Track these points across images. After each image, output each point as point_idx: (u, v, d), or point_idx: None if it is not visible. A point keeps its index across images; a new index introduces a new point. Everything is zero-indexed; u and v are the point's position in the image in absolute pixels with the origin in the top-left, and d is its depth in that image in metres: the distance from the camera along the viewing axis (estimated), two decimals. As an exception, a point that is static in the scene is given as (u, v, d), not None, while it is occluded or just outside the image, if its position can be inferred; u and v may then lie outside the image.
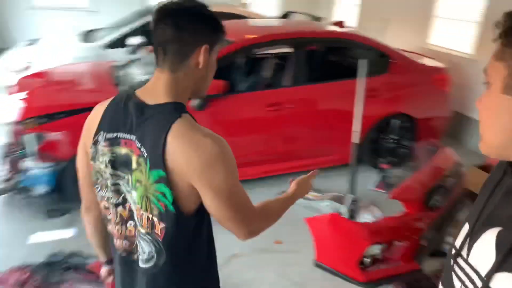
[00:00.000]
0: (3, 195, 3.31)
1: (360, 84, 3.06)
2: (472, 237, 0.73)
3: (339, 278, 2.54)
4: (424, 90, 4.12)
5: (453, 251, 0.78)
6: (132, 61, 4.04)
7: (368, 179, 3.88)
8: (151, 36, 1.07)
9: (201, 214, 1.09)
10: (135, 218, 1.11)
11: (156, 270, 1.11)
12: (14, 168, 3.15)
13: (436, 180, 2.90)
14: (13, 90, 3.55)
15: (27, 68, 4.58)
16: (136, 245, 1.14)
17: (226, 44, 1.51)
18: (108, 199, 1.15)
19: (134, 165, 1.05)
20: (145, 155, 1.02)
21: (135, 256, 1.16)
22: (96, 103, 1.19)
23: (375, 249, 2.65)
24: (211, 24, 1.08)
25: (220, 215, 1.06)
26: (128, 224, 1.13)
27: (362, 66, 3.02)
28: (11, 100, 3.44)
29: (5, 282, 2.46)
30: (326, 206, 3.51)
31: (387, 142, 4.14)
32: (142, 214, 1.07)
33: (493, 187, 0.75)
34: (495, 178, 0.76)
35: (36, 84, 3.67)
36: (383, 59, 3.90)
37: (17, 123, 3.12)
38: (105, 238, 1.30)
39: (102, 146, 1.09)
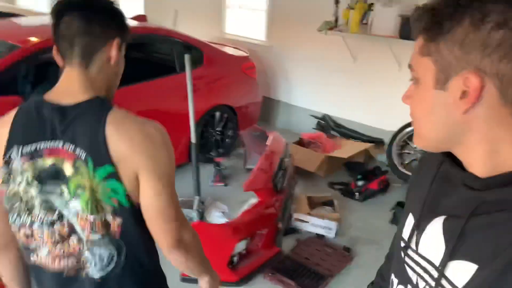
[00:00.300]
0: None
1: (189, 80, 2.93)
2: (419, 228, 0.73)
3: None
4: (237, 79, 4.28)
5: (402, 244, 0.78)
6: None
7: (205, 175, 3.83)
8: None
9: None
10: (78, 230, 1.04)
11: (118, 270, 1.07)
12: None
13: (276, 164, 3.05)
14: None
15: None
16: (84, 259, 1.06)
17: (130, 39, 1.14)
18: (32, 222, 1.04)
19: (69, 172, 0.99)
20: (83, 156, 0.97)
21: (84, 272, 1.07)
22: None
23: (239, 246, 2.62)
24: (119, 19, 1.06)
25: (157, 206, 1.01)
26: (70, 241, 1.05)
27: (188, 61, 2.89)
28: None
29: None
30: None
31: (213, 135, 4.16)
32: (94, 218, 1.01)
33: (433, 177, 0.75)
34: (432, 167, 0.77)
35: None
36: (196, 53, 3.85)
37: None
38: (28, 277, 1.19)
39: (20, 163, 0.99)
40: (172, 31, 3.88)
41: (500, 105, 0.59)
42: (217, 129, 4.18)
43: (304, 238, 3.05)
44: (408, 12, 3.52)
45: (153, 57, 4.26)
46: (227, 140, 4.29)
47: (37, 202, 1.02)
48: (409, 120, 4.04)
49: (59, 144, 0.98)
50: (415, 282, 0.73)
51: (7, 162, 1.00)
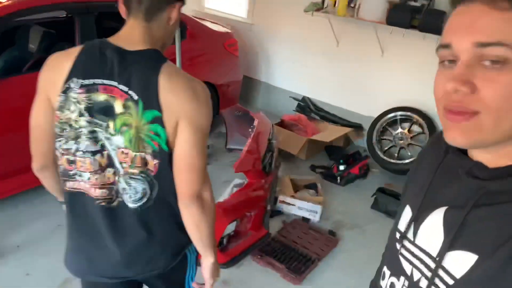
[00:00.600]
0: None
1: (178, 54, 2.81)
2: (418, 219, 0.72)
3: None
4: (220, 56, 4.16)
5: (398, 235, 0.76)
6: None
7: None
8: None
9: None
10: (115, 163, 1.14)
11: (149, 204, 1.17)
12: None
13: (264, 146, 3.00)
14: None
15: None
16: (116, 190, 1.16)
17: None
18: (77, 150, 1.13)
19: (119, 110, 1.08)
20: (135, 98, 1.06)
21: (116, 203, 1.17)
22: None
23: (229, 227, 2.58)
24: None
25: (189, 155, 1.10)
26: (106, 172, 1.15)
27: (177, 34, 2.76)
28: None
29: None
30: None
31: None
32: (135, 156, 1.11)
33: (436, 168, 0.72)
34: (435, 157, 0.74)
35: None
36: (180, 26, 3.68)
37: None
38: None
39: (76, 94, 1.09)
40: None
41: None
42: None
43: (290, 221, 3.05)
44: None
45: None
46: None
47: (84, 132, 1.11)
48: (389, 106, 4.09)
49: (114, 83, 1.07)
50: (409, 274, 0.71)
51: (65, 91, 1.09)
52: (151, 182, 1.15)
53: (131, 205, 1.16)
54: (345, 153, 4.00)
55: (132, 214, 1.17)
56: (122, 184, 1.15)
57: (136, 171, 1.13)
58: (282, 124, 4.25)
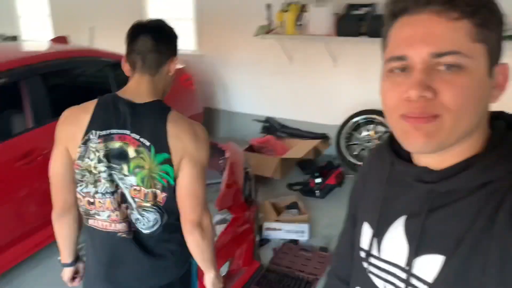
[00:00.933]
0: None
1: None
2: (379, 234, 0.72)
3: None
4: (177, 93, 4.09)
5: (363, 254, 0.77)
6: None
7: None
8: None
9: None
10: (128, 199, 1.32)
11: (160, 230, 1.35)
12: None
13: (242, 176, 2.98)
14: None
15: None
16: (130, 221, 1.34)
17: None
18: (97, 192, 1.30)
19: (132, 154, 1.26)
20: (147, 144, 1.25)
21: (132, 234, 1.34)
22: None
23: (222, 269, 2.52)
24: (177, 40, 1.39)
25: (191, 186, 1.28)
26: (122, 207, 1.32)
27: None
28: None
29: None
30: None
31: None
32: (147, 192, 1.29)
33: (385, 181, 0.73)
34: (381, 171, 0.75)
35: None
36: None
37: None
38: (75, 239, 1.45)
39: (95, 143, 1.26)
40: (101, 51, 3.61)
41: None
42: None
43: (279, 246, 3.02)
44: (341, 10, 3.67)
45: (83, 81, 3.93)
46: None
47: (104, 176, 1.28)
48: (351, 112, 4.19)
49: (127, 132, 1.26)
50: None
51: (85, 142, 1.27)
52: (161, 212, 1.34)
53: (145, 231, 1.35)
54: (318, 165, 4.04)
55: (148, 239, 1.36)
56: (135, 215, 1.33)
57: (148, 204, 1.32)
58: (251, 148, 4.24)
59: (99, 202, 1.31)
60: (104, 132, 1.25)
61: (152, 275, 1.41)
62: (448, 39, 0.57)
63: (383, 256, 0.72)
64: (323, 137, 4.32)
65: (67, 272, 1.51)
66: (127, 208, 1.32)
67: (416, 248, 0.64)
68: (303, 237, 3.07)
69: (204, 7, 4.81)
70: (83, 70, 3.87)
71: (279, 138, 4.40)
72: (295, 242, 3.06)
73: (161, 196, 1.30)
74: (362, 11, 3.73)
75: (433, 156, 0.63)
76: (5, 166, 2.62)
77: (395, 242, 0.69)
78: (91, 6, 5.82)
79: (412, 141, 0.60)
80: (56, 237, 1.44)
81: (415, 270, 0.65)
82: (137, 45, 1.30)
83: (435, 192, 0.64)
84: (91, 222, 1.36)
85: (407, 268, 0.66)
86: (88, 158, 1.27)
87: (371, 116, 4.00)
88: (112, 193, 1.29)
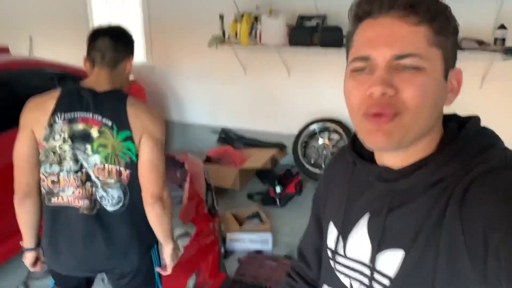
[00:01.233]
0: None
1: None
2: (344, 233, 0.75)
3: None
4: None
5: (329, 253, 0.79)
6: None
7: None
8: None
9: None
10: (92, 178, 1.44)
11: (124, 208, 1.47)
12: None
13: (203, 187, 2.93)
14: None
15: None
16: (95, 201, 1.45)
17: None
18: (61, 171, 1.42)
19: (95, 135, 1.40)
20: (109, 123, 1.39)
21: (95, 210, 1.46)
22: None
23: (190, 282, 2.44)
24: (133, 43, 1.58)
25: (152, 161, 1.42)
26: (86, 186, 1.44)
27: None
28: None
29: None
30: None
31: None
32: (111, 168, 1.42)
33: (348, 181, 0.77)
34: (344, 171, 0.79)
35: None
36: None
37: None
38: (38, 223, 1.53)
39: (61, 125, 1.39)
40: (46, 61, 3.41)
41: None
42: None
43: (243, 257, 2.98)
44: (293, 22, 3.74)
45: (27, 94, 3.68)
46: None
47: (68, 155, 1.41)
48: (306, 121, 4.26)
49: (89, 115, 1.40)
50: (349, 287, 0.75)
51: (51, 124, 1.39)
52: (125, 191, 1.46)
53: (109, 208, 1.47)
54: (277, 174, 4.06)
55: (112, 216, 1.47)
56: (100, 193, 1.45)
57: (112, 181, 1.44)
58: (209, 160, 4.18)
59: (64, 179, 1.43)
60: (69, 115, 1.39)
61: (113, 256, 1.52)
62: (408, 42, 0.60)
63: (348, 255, 0.74)
64: (280, 146, 4.36)
65: (29, 257, 1.58)
66: (92, 186, 1.44)
67: (378, 245, 0.67)
68: (267, 246, 3.05)
69: (153, 16, 4.71)
70: (28, 83, 3.64)
71: (236, 148, 4.37)
72: (259, 252, 3.03)
73: (125, 173, 1.43)
74: (313, 22, 3.83)
75: (393, 155, 0.67)
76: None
77: (359, 240, 0.72)
78: (31, 15, 5.51)
79: (374, 139, 0.63)
80: (18, 221, 1.51)
81: (378, 266, 0.68)
82: (97, 44, 1.47)
83: (395, 191, 0.67)
84: (54, 200, 1.45)
85: (370, 264, 0.69)
86: (53, 139, 1.40)
87: (326, 124, 4.10)
88: (76, 171, 1.42)
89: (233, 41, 4.03)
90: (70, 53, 4.88)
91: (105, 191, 1.44)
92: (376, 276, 0.68)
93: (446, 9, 0.63)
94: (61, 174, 1.42)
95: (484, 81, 3.50)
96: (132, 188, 1.45)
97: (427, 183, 0.64)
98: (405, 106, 0.61)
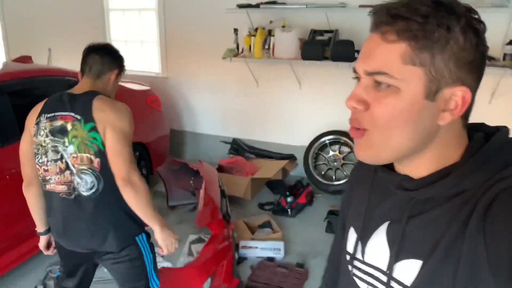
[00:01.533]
0: None
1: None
2: (363, 238, 0.76)
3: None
4: (145, 114, 4.08)
5: (348, 257, 0.81)
6: None
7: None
8: None
9: None
10: (70, 166, 1.65)
11: (97, 194, 1.66)
12: None
13: (218, 194, 2.99)
14: None
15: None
16: (73, 187, 1.66)
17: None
18: (47, 161, 1.67)
19: (69, 128, 1.63)
20: (79, 118, 1.62)
21: (74, 194, 1.67)
22: None
23: (206, 285, 2.48)
24: (120, 60, 1.85)
25: (115, 147, 1.60)
26: (65, 173, 1.66)
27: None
28: None
29: None
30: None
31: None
32: (82, 156, 1.63)
33: (369, 187, 0.78)
34: (366, 178, 0.80)
35: None
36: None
37: None
38: (44, 209, 1.79)
39: (44, 123, 1.67)
40: (68, 71, 3.53)
41: (461, 117, 0.65)
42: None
43: (256, 264, 3.02)
44: (305, 35, 3.82)
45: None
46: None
47: (49, 147, 1.66)
48: (316, 133, 4.33)
49: (67, 113, 1.64)
50: None
51: (38, 123, 1.68)
52: (98, 177, 1.64)
53: (85, 193, 1.66)
54: (287, 185, 4.11)
55: (88, 201, 1.66)
56: (76, 180, 1.65)
57: (85, 167, 1.64)
58: (220, 169, 4.24)
59: (50, 168, 1.67)
60: (50, 114, 1.66)
61: (93, 237, 1.70)
62: (379, 60, 0.61)
63: (366, 260, 0.75)
64: (291, 158, 4.42)
65: (42, 240, 1.88)
66: (70, 174, 1.65)
67: (397, 253, 0.68)
68: (279, 255, 3.09)
69: (169, 29, 4.85)
70: (49, 89, 3.75)
71: (247, 159, 4.44)
72: (271, 259, 3.07)
73: (96, 161, 1.63)
74: (325, 37, 3.93)
75: (405, 165, 0.68)
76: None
77: (378, 246, 0.72)
78: (50, 29, 5.69)
79: (356, 152, 0.68)
80: (29, 208, 1.79)
81: (395, 274, 0.68)
82: (87, 59, 1.76)
83: (415, 200, 0.67)
84: (47, 186, 1.70)
85: (387, 271, 0.69)
86: (40, 135, 1.66)
87: (335, 136, 4.16)
88: (56, 160, 1.66)
89: (247, 54, 4.14)
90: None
91: (80, 177, 1.64)
92: (393, 283, 0.69)
93: (439, 26, 0.58)
94: (48, 164, 1.66)
95: (494, 96, 3.56)
96: (105, 175, 1.63)
97: (448, 193, 0.64)
98: (374, 123, 0.63)
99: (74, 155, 1.63)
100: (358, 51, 3.75)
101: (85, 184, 1.64)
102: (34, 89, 3.61)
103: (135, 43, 5.31)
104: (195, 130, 5.06)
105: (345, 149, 4.18)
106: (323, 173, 4.21)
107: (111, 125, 1.60)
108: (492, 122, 0.72)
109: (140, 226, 1.76)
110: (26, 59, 3.71)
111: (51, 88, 3.70)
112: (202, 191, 2.91)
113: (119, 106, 1.66)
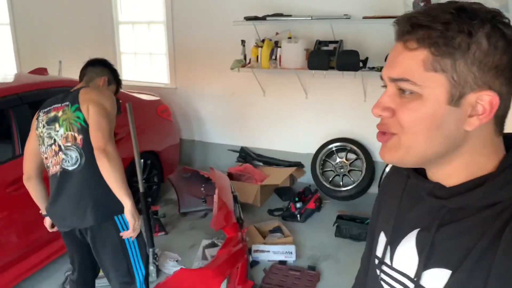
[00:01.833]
0: None
1: (132, 128, 2.82)
2: (392, 243, 0.77)
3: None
4: (155, 123, 4.19)
5: (376, 261, 0.81)
6: None
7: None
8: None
9: None
10: (62, 148, 1.88)
11: (80, 168, 1.87)
12: None
13: (231, 199, 3.07)
14: None
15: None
16: (62, 164, 1.89)
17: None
18: (45, 147, 1.93)
19: (60, 115, 1.91)
20: (68, 103, 1.91)
21: (60, 171, 1.89)
22: None
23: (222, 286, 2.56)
24: (109, 68, 2.19)
25: (93, 120, 1.82)
26: (59, 154, 1.89)
27: (129, 108, 2.79)
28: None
29: None
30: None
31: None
32: (68, 134, 1.87)
33: (401, 193, 0.79)
34: (399, 183, 0.81)
35: None
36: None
37: None
38: (45, 195, 2.04)
39: (41, 117, 1.96)
40: (75, 80, 3.64)
41: (491, 123, 0.64)
42: (144, 177, 3.98)
43: (268, 267, 3.09)
44: (311, 46, 3.93)
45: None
46: (154, 187, 4.12)
47: (45, 135, 1.92)
48: (323, 140, 4.43)
49: (59, 105, 1.94)
50: None
51: (38, 118, 1.98)
52: (80, 153, 1.86)
53: (69, 168, 1.87)
54: (296, 191, 4.20)
55: (72, 175, 1.87)
56: (63, 156, 1.87)
57: (70, 144, 1.86)
58: (230, 177, 4.33)
59: (48, 154, 1.92)
60: (46, 109, 1.96)
61: (74, 211, 1.89)
62: (402, 67, 0.63)
63: (394, 265, 0.75)
64: (298, 165, 4.52)
65: (46, 221, 2.12)
66: (62, 154, 1.87)
67: (425, 261, 0.67)
68: (291, 258, 3.16)
69: (177, 42, 4.99)
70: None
71: (256, 166, 4.54)
72: (283, 263, 3.14)
73: (79, 138, 1.85)
74: (330, 47, 4.06)
75: (439, 172, 0.69)
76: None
77: (407, 253, 0.72)
78: (60, 41, 5.83)
79: (381, 154, 0.69)
80: (32, 197, 2.03)
81: (422, 282, 0.68)
82: (84, 70, 2.13)
83: (446, 208, 0.66)
84: (50, 172, 1.94)
85: (415, 279, 0.69)
86: (39, 127, 1.95)
87: (342, 143, 4.27)
88: (51, 145, 1.90)
89: (254, 64, 4.26)
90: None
91: (65, 153, 1.87)
92: None
93: (460, 31, 0.59)
94: (46, 150, 1.92)
95: None
96: (87, 152, 1.84)
97: (481, 204, 0.63)
98: (401, 128, 0.65)
99: (64, 135, 1.87)
100: (363, 61, 3.88)
101: (70, 159, 1.86)
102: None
103: (144, 55, 5.44)
104: (204, 139, 5.16)
105: (352, 156, 4.28)
106: (330, 179, 4.30)
107: (92, 101, 1.85)
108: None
109: (121, 207, 1.84)
110: (42, 71, 3.83)
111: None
112: (215, 196, 3.00)
113: (103, 90, 2.00)
